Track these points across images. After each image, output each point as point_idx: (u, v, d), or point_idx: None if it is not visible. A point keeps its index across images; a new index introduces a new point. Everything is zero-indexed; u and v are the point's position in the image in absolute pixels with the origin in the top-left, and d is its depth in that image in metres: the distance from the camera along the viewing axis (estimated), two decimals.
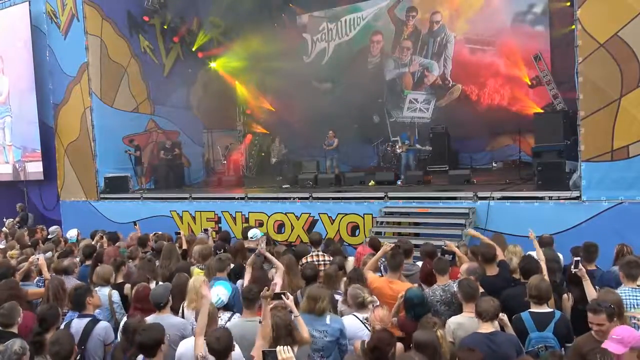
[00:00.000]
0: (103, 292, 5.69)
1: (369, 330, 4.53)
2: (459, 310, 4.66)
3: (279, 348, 3.34)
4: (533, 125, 11.98)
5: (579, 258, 5.13)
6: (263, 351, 3.42)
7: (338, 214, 10.78)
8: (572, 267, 5.06)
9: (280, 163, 16.02)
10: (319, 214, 11.00)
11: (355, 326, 4.63)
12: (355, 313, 4.78)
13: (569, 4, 11.97)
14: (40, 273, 6.61)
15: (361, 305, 4.79)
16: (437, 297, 5.05)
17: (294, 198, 11.67)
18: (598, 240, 6.05)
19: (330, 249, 7.38)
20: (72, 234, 9.56)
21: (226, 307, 4.86)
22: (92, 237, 9.34)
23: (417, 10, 17.02)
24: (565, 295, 5.23)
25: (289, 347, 3.37)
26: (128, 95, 15.54)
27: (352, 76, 17.49)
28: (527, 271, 5.03)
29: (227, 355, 3.70)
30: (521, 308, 4.48)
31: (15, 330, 4.55)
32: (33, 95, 15.88)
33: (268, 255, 5.91)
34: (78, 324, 4.73)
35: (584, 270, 4.96)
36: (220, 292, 4.71)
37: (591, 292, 4.76)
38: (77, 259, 7.33)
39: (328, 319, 4.47)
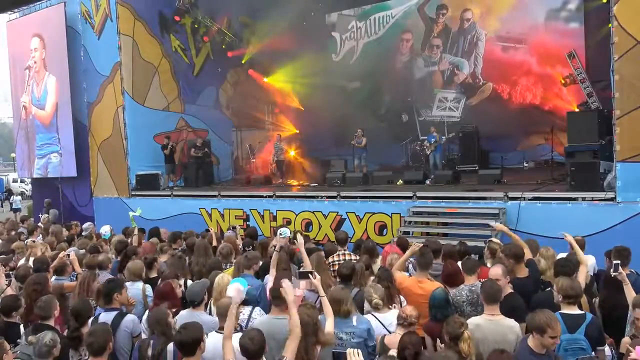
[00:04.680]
0: (136, 287, 5.80)
1: (388, 331, 4.54)
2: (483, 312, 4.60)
3: (349, 350, 3.35)
4: (566, 125, 11.73)
5: (618, 262, 4.99)
6: (333, 352, 3.41)
7: (366, 213, 10.76)
8: (612, 270, 4.93)
9: (281, 163, 16.05)
10: (346, 212, 10.99)
11: (374, 326, 4.63)
12: (374, 313, 4.76)
13: (605, 0, 11.67)
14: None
15: (370, 304, 4.77)
16: (464, 298, 4.99)
17: (322, 197, 11.69)
18: (633, 243, 5.89)
19: (363, 248, 7.21)
20: (105, 230, 9.76)
21: (245, 302, 4.89)
22: (124, 234, 9.52)
23: (448, 8, 16.87)
24: (594, 300, 5.12)
25: (359, 350, 3.39)
26: (159, 94, 15.82)
27: (380, 75, 17.44)
28: (563, 274, 4.87)
29: (260, 356, 3.67)
30: (552, 311, 4.38)
31: (52, 322, 4.68)
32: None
33: (304, 254, 5.90)
34: (105, 318, 4.81)
35: (624, 274, 4.84)
36: (236, 288, 4.75)
37: (632, 296, 4.64)
38: (110, 254, 7.48)
39: (354, 319, 4.46)
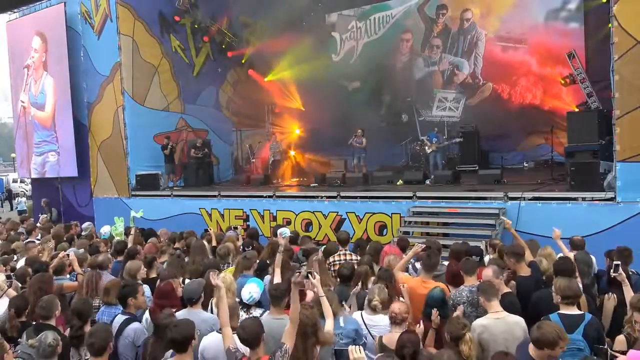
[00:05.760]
0: None
1: (370, 334, 4.52)
2: (484, 312, 4.60)
3: (350, 347, 3.37)
4: (566, 125, 11.74)
5: (619, 262, 5.00)
6: (335, 350, 3.38)
7: (365, 213, 10.75)
8: (612, 271, 4.94)
9: (277, 163, 16.11)
10: (346, 212, 10.98)
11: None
12: (363, 313, 4.74)
13: (605, 0, 11.68)
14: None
15: (369, 305, 4.76)
16: (464, 299, 4.99)
17: (321, 197, 11.69)
18: (633, 243, 5.90)
19: (369, 248, 7.11)
20: (105, 230, 9.75)
21: (259, 304, 4.90)
22: (125, 234, 9.50)
23: (448, 8, 16.88)
24: (606, 296, 5.13)
25: (361, 347, 3.40)
26: (159, 94, 15.81)
27: (380, 75, 17.44)
28: (562, 273, 4.88)
29: (259, 344, 3.75)
30: (551, 310, 4.39)
31: (53, 322, 4.70)
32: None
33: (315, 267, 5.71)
34: (118, 321, 4.85)
35: (624, 274, 4.85)
36: (252, 289, 4.76)
37: (630, 297, 4.64)
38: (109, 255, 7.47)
39: (341, 320, 4.48)
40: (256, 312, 4.81)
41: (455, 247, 6.48)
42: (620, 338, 4.18)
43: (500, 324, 4.30)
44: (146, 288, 5.82)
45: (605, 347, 4.07)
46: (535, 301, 4.86)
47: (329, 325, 4.22)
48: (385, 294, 4.81)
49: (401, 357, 3.68)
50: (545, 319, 4.22)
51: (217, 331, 4.33)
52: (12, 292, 5.77)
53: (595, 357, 3.98)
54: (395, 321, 4.28)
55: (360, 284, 5.49)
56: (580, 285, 4.81)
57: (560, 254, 5.90)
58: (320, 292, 4.41)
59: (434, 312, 4.47)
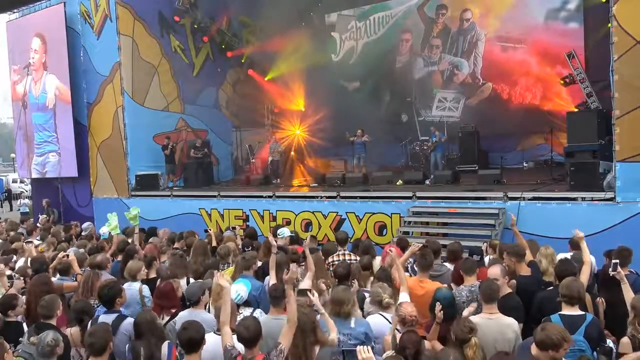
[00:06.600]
0: (134, 287, 5.79)
1: (397, 329, 4.51)
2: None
3: (358, 348, 3.38)
4: (566, 125, 11.73)
5: (617, 261, 4.99)
6: (343, 350, 3.45)
7: (365, 213, 10.75)
8: (611, 270, 4.93)
9: (277, 163, 16.14)
10: (346, 212, 10.98)
11: (382, 324, 4.62)
12: (381, 312, 4.75)
13: (604, 0, 11.68)
14: None
15: (380, 305, 4.76)
16: (463, 298, 5.00)
17: (321, 197, 11.68)
18: (633, 243, 5.89)
19: (360, 247, 7.25)
20: (104, 230, 9.74)
21: (247, 303, 4.90)
22: (124, 234, 9.49)
23: (447, 8, 16.87)
24: (598, 300, 5.12)
25: (369, 347, 3.40)
26: (159, 95, 15.82)
27: (380, 75, 17.44)
28: (564, 275, 4.85)
29: (256, 343, 3.76)
30: (555, 311, 4.37)
31: (54, 322, 4.71)
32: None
33: (307, 253, 5.92)
34: (105, 320, 4.78)
35: (622, 273, 4.83)
36: (239, 289, 4.75)
37: (629, 296, 4.63)
38: (109, 255, 7.47)
39: (353, 321, 4.46)
40: (246, 311, 4.81)
41: (453, 247, 6.49)
42: (625, 340, 4.16)
43: (492, 324, 4.30)
44: (146, 288, 5.83)
45: (609, 345, 4.06)
46: (540, 302, 4.85)
47: (332, 337, 4.21)
48: (389, 290, 4.87)
49: (404, 357, 3.68)
50: (546, 319, 4.23)
51: (214, 332, 4.33)
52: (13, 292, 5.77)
53: (595, 357, 3.98)
54: (404, 322, 4.26)
55: (356, 282, 5.53)
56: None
57: (561, 255, 5.89)
58: (320, 310, 4.33)
59: (438, 306, 4.34)
